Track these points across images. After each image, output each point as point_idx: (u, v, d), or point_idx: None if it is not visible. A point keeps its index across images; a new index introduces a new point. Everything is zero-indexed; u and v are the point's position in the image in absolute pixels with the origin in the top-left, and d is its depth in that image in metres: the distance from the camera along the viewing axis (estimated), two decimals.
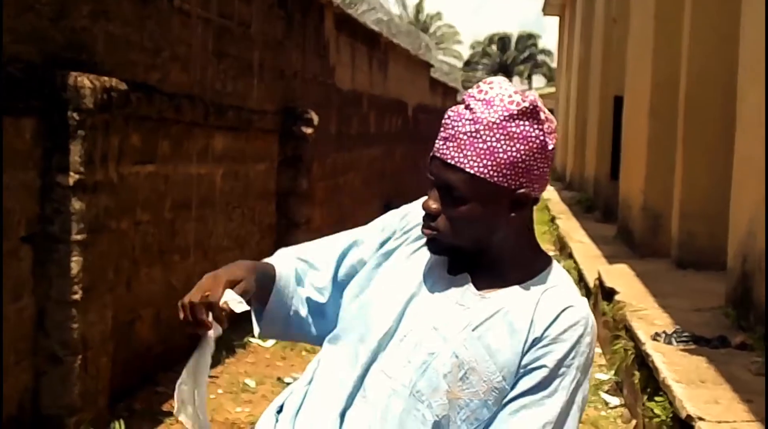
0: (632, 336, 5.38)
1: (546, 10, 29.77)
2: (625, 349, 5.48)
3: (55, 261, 4.28)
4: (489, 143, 1.60)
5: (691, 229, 7.66)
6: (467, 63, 67.51)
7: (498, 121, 1.60)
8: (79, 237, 4.29)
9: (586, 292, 8.21)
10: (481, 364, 1.65)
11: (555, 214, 14.66)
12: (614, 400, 5.59)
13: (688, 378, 4.27)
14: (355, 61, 12.61)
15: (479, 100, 1.63)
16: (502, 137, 1.60)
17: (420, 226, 1.75)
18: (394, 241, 1.82)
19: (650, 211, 8.89)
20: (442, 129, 1.65)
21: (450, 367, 1.66)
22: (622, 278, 7.09)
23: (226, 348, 6.19)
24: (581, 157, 18.38)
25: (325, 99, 10.53)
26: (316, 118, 8.89)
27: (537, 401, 1.64)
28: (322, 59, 10.52)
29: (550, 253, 9.88)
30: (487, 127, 1.60)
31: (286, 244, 2.03)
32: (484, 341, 1.66)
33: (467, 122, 1.61)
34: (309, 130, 8.77)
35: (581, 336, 1.67)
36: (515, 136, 1.60)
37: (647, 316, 5.63)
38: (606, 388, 5.83)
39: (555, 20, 30.86)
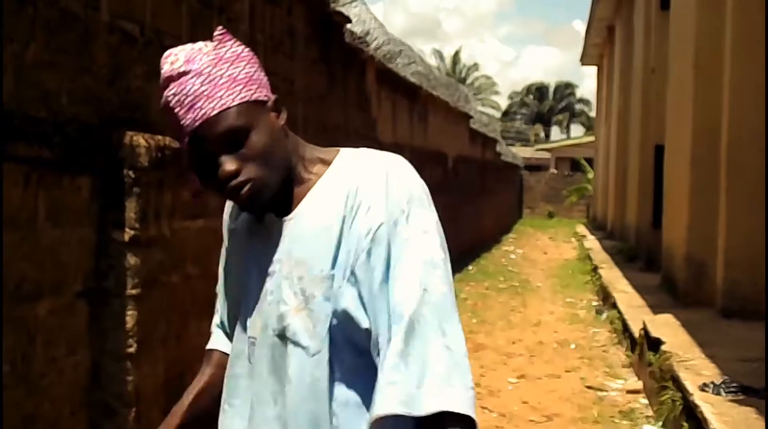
0: (680, 386, 5.37)
1: (584, 60, 29.93)
2: (672, 400, 5.47)
3: (110, 315, 4.38)
4: (224, 76, 1.66)
5: (735, 277, 7.62)
6: (505, 113, 67.77)
7: (212, 58, 1.67)
8: (133, 291, 4.40)
9: (631, 341, 8.17)
10: (301, 269, 1.72)
11: (597, 263, 14.61)
12: None
13: None
14: (396, 114, 12.77)
15: (182, 64, 1.67)
16: (226, 64, 1.67)
17: (229, 212, 2.00)
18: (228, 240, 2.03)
19: (694, 260, 8.85)
20: (178, 109, 1.66)
21: (280, 293, 1.74)
22: (667, 328, 7.06)
23: None
24: (622, 206, 18.33)
25: None
26: None
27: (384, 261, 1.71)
28: (364, 112, 10.67)
29: (593, 304, 9.74)
30: (210, 67, 1.66)
31: None
32: (296, 254, 1.73)
33: (192, 80, 1.66)
34: None
35: (387, 182, 1.72)
36: (234, 58, 1.69)
37: (694, 367, 5.61)
38: None
39: (593, 70, 30.98)
